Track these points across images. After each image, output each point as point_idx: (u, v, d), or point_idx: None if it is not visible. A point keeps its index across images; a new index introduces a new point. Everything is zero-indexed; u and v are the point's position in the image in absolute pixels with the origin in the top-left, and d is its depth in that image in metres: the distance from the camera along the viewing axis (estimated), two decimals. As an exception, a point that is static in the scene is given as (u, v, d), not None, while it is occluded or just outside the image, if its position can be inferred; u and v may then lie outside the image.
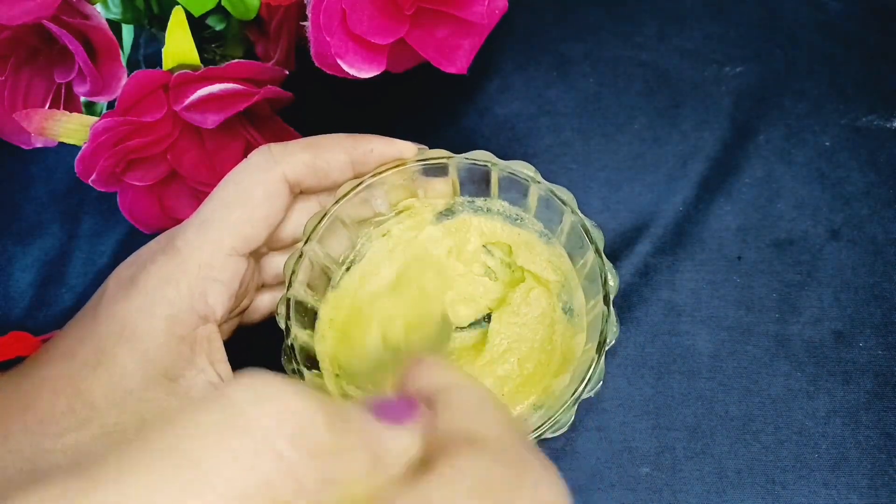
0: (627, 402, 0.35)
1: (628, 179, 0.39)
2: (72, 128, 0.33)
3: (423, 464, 0.19)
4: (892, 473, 0.33)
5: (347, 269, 0.33)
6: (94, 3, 0.32)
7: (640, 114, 0.41)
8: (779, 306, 0.36)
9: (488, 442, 0.19)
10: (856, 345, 0.35)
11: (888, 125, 0.40)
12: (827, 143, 0.40)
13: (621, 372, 0.35)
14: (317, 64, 0.32)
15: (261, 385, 0.16)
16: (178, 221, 0.36)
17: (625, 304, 0.36)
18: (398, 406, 0.19)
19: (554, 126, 0.41)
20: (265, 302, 0.34)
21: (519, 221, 0.33)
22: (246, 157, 0.35)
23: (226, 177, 0.31)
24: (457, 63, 0.34)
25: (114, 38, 0.32)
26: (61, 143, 0.33)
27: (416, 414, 0.19)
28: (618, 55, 0.43)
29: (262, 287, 0.34)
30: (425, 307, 0.31)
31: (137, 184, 0.34)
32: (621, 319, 0.36)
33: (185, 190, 0.36)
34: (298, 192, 0.32)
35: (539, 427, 0.28)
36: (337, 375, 0.32)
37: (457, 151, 0.32)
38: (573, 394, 0.28)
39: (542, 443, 0.29)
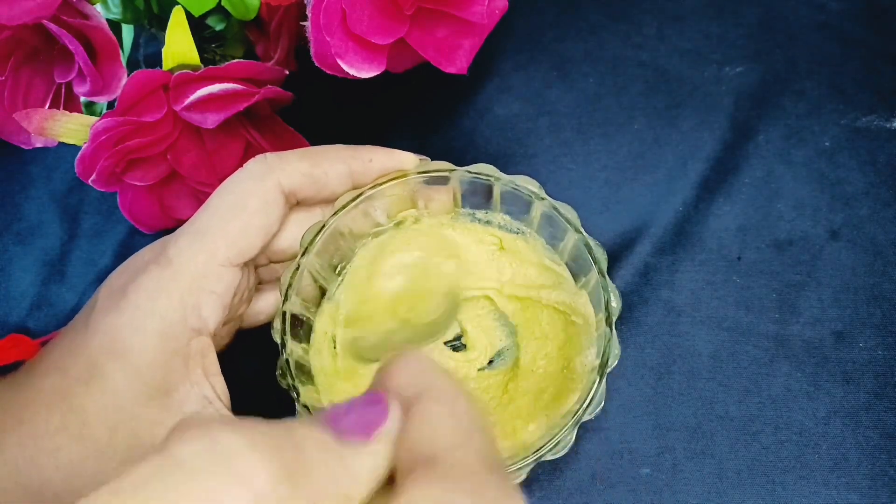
0: (627, 402, 0.35)
1: (628, 179, 0.39)
2: (72, 128, 0.33)
3: (395, 478, 0.18)
4: (893, 474, 0.33)
5: (342, 278, 0.32)
6: (94, 3, 0.32)
7: (640, 114, 0.41)
8: (778, 306, 0.36)
9: (451, 466, 0.18)
10: (856, 345, 0.35)
11: (888, 125, 0.40)
12: (827, 143, 0.40)
13: (621, 372, 0.35)
14: (317, 64, 0.32)
15: (210, 445, 0.16)
16: (178, 221, 0.37)
17: (625, 304, 0.36)
18: (358, 414, 0.18)
19: (554, 126, 0.41)
20: (268, 306, 0.33)
21: (521, 235, 0.33)
22: (246, 156, 0.35)
23: (221, 185, 0.30)
24: (457, 63, 0.34)
25: (114, 38, 0.32)
26: (61, 143, 0.33)
27: (381, 419, 0.18)
28: (618, 55, 0.43)
29: (264, 289, 0.33)
30: (433, 280, 0.30)
31: (137, 184, 0.34)
32: (621, 319, 0.36)
33: (185, 190, 0.36)
34: (295, 203, 0.31)
35: (539, 449, 0.27)
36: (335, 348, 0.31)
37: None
38: (574, 415, 0.27)
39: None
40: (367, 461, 0.18)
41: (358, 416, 0.18)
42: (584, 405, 0.28)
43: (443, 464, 0.18)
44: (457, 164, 0.31)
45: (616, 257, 0.37)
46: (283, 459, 0.16)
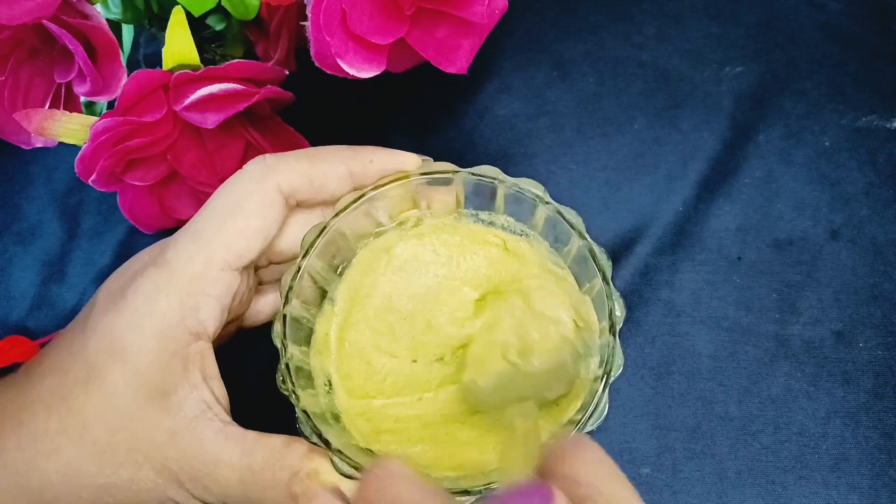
0: (627, 402, 0.35)
1: (628, 179, 0.39)
2: (72, 128, 0.33)
3: None
4: (893, 474, 0.33)
5: (341, 276, 0.32)
6: (94, 3, 0.32)
7: (640, 114, 0.41)
8: (779, 306, 0.36)
9: None
10: (856, 345, 0.35)
11: (888, 125, 0.40)
12: (827, 143, 0.40)
13: (621, 372, 0.35)
14: (317, 64, 0.32)
15: None
16: (178, 221, 0.37)
17: (625, 304, 0.36)
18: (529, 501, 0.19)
19: (554, 126, 0.41)
20: (268, 306, 0.33)
21: (524, 237, 0.32)
22: (246, 156, 0.35)
23: (219, 188, 0.30)
24: (457, 63, 0.34)
25: (114, 38, 0.32)
26: (61, 143, 0.33)
27: None
28: (618, 55, 0.43)
29: (264, 289, 0.33)
30: (545, 326, 0.30)
31: (137, 184, 0.34)
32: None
33: (185, 190, 0.36)
34: (295, 205, 0.31)
35: None
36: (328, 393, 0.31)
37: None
38: (576, 425, 0.27)
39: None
40: None
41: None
42: (587, 415, 0.27)
43: None
44: (457, 164, 0.31)
45: (616, 257, 0.37)
46: None
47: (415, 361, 0.32)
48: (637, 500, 0.20)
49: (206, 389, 0.28)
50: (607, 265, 0.29)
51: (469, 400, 0.30)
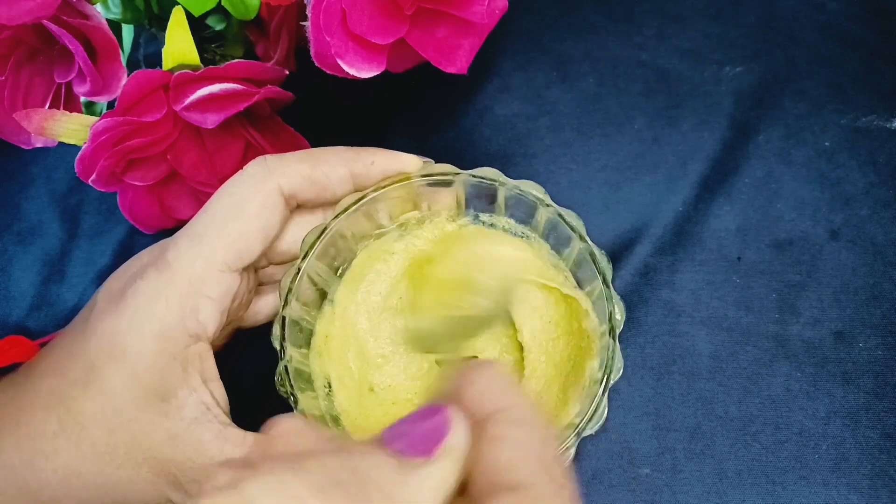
0: (627, 402, 0.35)
1: (628, 179, 0.39)
2: (72, 128, 0.33)
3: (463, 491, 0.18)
4: (893, 474, 0.33)
5: (341, 277, 0.32)
6: (94, 3, 0.32)
7: (640, 114, 0.41)
8: (778, 307, 0.36)
9: (535, 498, 0.18)
10: (856, 345, 0.35)
11: (888, 125, 0.40)
12: (827, 143, 0.40)
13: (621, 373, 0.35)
14: (317, 64, 0.32)
15: (278, 487, 0.16)
16: (178, 221, 0.37)
17: (625, 304, 0.36)
18: (416, 431, 0.18)
19: (554, 126, 0.41)
20: (267, 306, 0.33)
21: (525, 239, 0.32)
22: (246, 157, 0.35)
23: (220, 189, 0.30)
24: (457, 63, 0.34)
25: (114, 38, 0.32)
26: (61, 143, 0.33)
27: (441, 434, 0.18)
28: (618, 55, 0.43)
29: (264, 289, 0.33)
30: (485, 271, 0.30)
31: (137, 184, 0.34)
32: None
33: (185, 190, 0.36)
34: (296, 206, 0.31)
35: None
36: (328, 389, 0.31)
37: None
38: (575, 429, 0.27)
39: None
40: (430, 481, 0.18)
41: (415, 433, 0.18)
42: (586, 419, 0.27)
43: (526, 494, 0.18)
44: (457, 165, 0.31)
45: (616, 257, 0.37)
46: (346, 495, 0.16)
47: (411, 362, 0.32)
48: (533, 408, 0.20)
49: (205, 391, 0.28)
50: (608, 268, 0.29)
51: (419, 342, 0.30)
